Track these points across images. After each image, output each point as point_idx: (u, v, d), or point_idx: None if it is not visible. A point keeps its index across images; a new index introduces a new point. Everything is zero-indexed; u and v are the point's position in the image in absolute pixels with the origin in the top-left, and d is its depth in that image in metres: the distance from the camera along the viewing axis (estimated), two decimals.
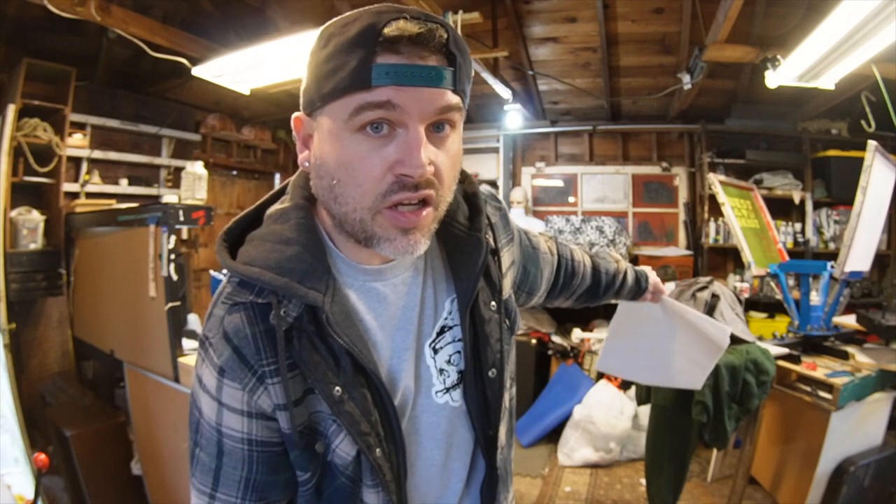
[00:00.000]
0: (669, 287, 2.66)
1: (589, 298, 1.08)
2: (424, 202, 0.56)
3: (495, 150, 4.69)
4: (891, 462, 2.14)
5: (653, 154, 4.67)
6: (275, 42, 2.17)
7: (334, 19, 0.56)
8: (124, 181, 3.33)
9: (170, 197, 3.36)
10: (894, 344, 2.28)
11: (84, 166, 3.10)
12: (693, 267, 4.24)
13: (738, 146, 4.10)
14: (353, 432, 0.57)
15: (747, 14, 2.97)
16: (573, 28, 3.65)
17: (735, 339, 2.06)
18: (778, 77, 2.44)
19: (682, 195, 4.58)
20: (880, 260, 3.77)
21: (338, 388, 0.57)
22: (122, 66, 3.28)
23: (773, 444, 2.28)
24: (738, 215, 2.91)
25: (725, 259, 4.37)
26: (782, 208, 4.02)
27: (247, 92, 2.75)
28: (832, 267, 2.27)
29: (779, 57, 2.41)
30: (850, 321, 2.49)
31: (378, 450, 0.59)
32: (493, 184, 4.68)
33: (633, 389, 2.72)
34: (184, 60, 2.58)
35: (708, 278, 2.34)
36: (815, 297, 2.36)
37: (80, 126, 3.08)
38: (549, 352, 3.64)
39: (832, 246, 3.99)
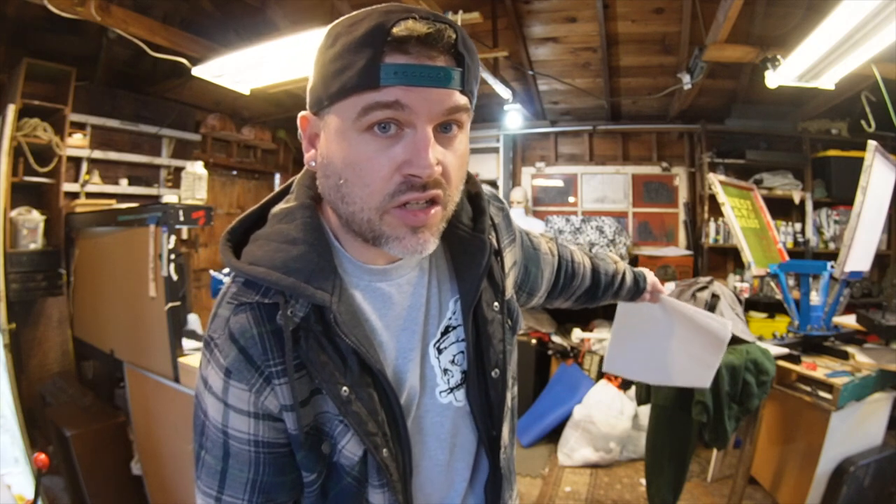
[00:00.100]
0: (669, 287, 2.66)
1: (588, 299, 1.08)
2: (433, 201, 0.55)
3: (495, 150, 4.69)
4: (891, 462, 2.14)
5: (653, 154, 4.67)
6: (275, 42, 2.17)
7: (341, 18, 0.55)
8: (124, 181, 3.33)
9: (170, 197, 3.36)
10: (894, 344, 2.28)
11: (84, 166, 3.10)
12: (693, 267, 4.24)
13: (738, 146, 4.10)
14: (361, 432, 0.57)
15: (747, 14, 2.97)
16: (573, 28, 3.65)
17: (735, 339, 2.06)
18: (778, 77, 2.44)
19: (682, 195, 4.58)
20: (880, 260, 3.77)
21: (345, 388, 0.57)
22: (122, 66, 3.28)
23: (773, 444, 2.28)
24: (738, 215, 2.91)
25: (725, 259, 4.37)
26: (782, 208, 4.02)
27: (247, 92, 2.75)
28: (832, 267, 2.27)
29: (779, 57, 2.41)
30: (850, 321, 2.49)
31: (385, 450, 0.58)
32: (493, 184, 4.68)
33: (633, 389, 2.72)
34: (184, 60, 2.57)
35: (708, 278, 2.34)
36: (815, 297, 2.36)
37: (80, 126, 3.07)
38: (549, 352, 3.64)
39: (832, 246, 4.00)
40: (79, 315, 2.83)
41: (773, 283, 3.10)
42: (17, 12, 2.57)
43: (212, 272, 2.21)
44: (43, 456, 1.43)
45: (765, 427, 2.17)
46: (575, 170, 4.84)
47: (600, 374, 3.27)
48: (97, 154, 3.14)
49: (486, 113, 4.53)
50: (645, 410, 2.64)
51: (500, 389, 0.67)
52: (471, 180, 0.70)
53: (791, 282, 2.75)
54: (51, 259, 2.77)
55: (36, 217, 2.75)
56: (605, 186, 4.78)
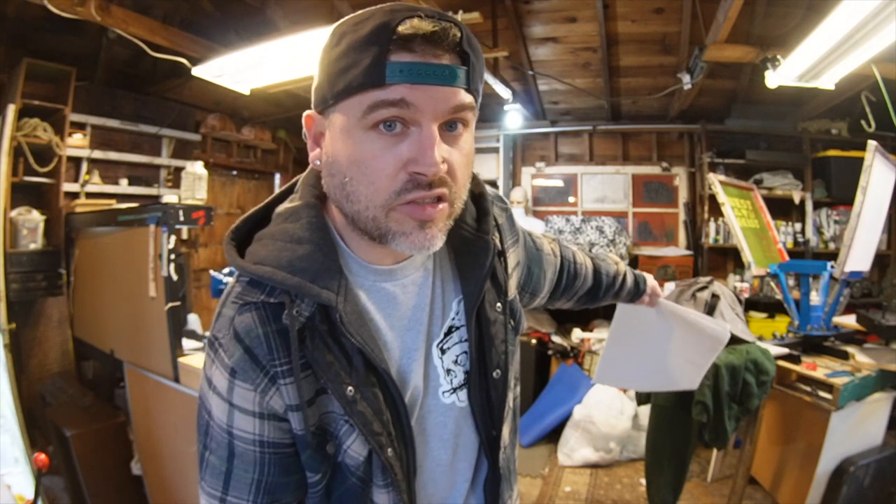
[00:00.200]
0: (669, 287, 2.66)
1: (589, 300, 1.08)
2: (439, 198, 0.55)
3: (495, 150, 4.69)
4: (891, 462, 2.14)
5: (653, 154, 4.67)
6: (275, 42, 2.17)
7: (347, 17, 0.56)
8: (124, 181, 3.33)
9: (170, 197, 3.36)
10: (894, 344, 2.28)
11: (84, 166, 3.10)
12: (693, 267, 4.24)
13: (738, 146, 4.10)
14: (366, 432, 0.57)
15: (747, 14, 2.97)
16: (573, 28, 3.65)
17: (735, 339, 2.06)
18: (778, 77, 2.44)
19: (682, 195, 4.58)
20: (880, 260, 3.77)
21: (350, 387, 0.57)
22: (122, 66, 3.28)
23: (773, 444, 2.28)
24: (738, 215, 2.91)
25: (725, 259, 4.37)
26: (782, 208, 4.02)
27: (247, 92, 2.75)
28: (832, 267, 2.27)
29: (779, 57, 2.41)
30: (850, 321, 2.49)
31: (389, 449, 0.58)
32: (493, 184, 4.68)
33: (632, 389, 2.72)
34: (184, 60, 2.57)
35: (708, 278, 2.34)
36: (815, 297, 2.36)
37: (80, 126, 3.07)
38: (549, 352, 3.64)
39: (832, 246, 4.00)
40: (79, 315, 2.83)
41: (773, 283, 3.10)
42: (17, 12, 2.57)
43: (212, 272, 2.21)
44: (43, 456, 1.43)
45: (765, 427, 2.17)
46: (575, 170, 4.84)
47: None
48: (97, 154, 3.14)
49: (486, 113, 4.52)
50: (645, 410, 2.64)
51: (501, 390, 0.67)
52: (475, 180, 0.70)
53: (791, 282, 2.75)
54: (51, 259, 2.77)
55: (36, 217, 2.75)
56: (605, 186, 4.78)
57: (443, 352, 0.66)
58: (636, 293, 1.14)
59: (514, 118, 4.04)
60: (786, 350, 2.17)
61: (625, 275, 1.11)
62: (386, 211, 0.55)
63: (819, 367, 2.07)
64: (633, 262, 4.35)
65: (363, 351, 0.57)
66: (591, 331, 3.67)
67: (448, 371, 0.66)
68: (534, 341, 3.62)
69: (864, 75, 2.42)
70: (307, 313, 0.57)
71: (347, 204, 0.56)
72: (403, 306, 0.63)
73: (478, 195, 0.71)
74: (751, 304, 3.83)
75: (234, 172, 4.43)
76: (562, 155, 4.90)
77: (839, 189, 3.91)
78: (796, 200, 4.03)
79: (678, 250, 4.41)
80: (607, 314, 1.22)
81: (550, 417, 3.20)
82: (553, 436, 3.18)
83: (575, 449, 2.99)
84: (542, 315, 3.80)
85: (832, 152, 3.95)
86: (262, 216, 0.65)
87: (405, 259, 0.63)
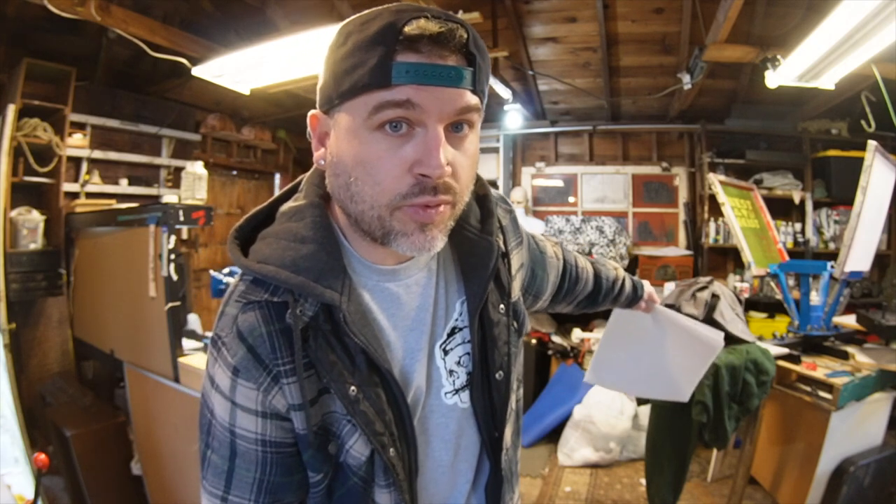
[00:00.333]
0: (669, 287, 2.66)
1: (589, 304, 1.08)
2: (442, 201, 0.55)
3: (495, 150, 4.69)
4: (891, 462, 2.14)
5: (653, 154, 4.67)
6: (275, 42, 2.17)
7: (353, 17, 0.55)
8: (124, 181, 3.33)
9: (170, 197, 3.36)
10: (894, 344, 2.28)
11: (84, 166, 3.10)
12: (693, 267, 4.24)
13: (738, 146, 4.10)
14: (368, 432, 0.57)
15: (747, 14, 2.97)
16: (573, 28, 3.65)
17: (735, 339, 2.06)
18: (778, 77, 2.44)
19: (682, 195, 4.58)
20: (880, 260, 3.77)
21: (353, 387, 0.57)
22: (122, 66, 3.28)
23: (773, 444, 2.28)
24: (738, 215, 2.92)
25: (725, 259, 4.37)
26: (782, 208, 4.02)
27: (247, 92, 2.74)
28: (832, 267, 2.27)
29: (779, 57, 2.41)
30: (850, 321, 2.49)
31: (392, 449, 0.58)
32: (494, 184, 4.67)
33: None
34: (184, 60, 2.57)
35: (708, 278, 2.34)
36: (815, 297, 2.36)
37: (80, 126, 3.07)
38: (549, 352, 3.64)
39: (832, 246, 3.99)
40: (79, 315, 2.83)
41: (773, 283, 3.10)
42: (17, 12, 2.57)
43: (212, 272, 2.21)
44: (43, 456, 1.43)
45: (765, 427, 2.17)
46: (575, 170, 4.84)
47: None
48: (97, 154, 3.14)
49: (486, 113, 4.43)
50: (645, 410, 2.64)
51: (503, 391, 0.67)
52: (479, 182, 0.70)
53: (791, 282, 2.75)
54: (51, 259, 2.77)
55: (36, 217, 2.75)
56: (605, 186, 4.78)
57: (446, 353, 0.66)
58: (634, 298, 1.15)
59: (514, 118, 4.04)
60: (786, 350, 2.17)
61: (623, 280, 1.12)
62: (390, 211, 0.55)
63: (819, 367, 2.07)
64: (633, 261, 4.35)
65: (366, 351, 0.57)
66: (591, 331, 3.67)
67: (451, 372, 0.66)
68: (534, 341, 3.62)
69: (864, 75, 2.42)
70: (311, 313, 0.57)
71: (352, 204, 0.56)
72: (407, 307, 0.63)
73: (482, 196, 0.70)
74: (751, 304, 3.83)
75: (234, 172, 4.43)
76: (562, 155, 4.90)
77: (839, 189, 3.90)
78: (796, 200, 4.03)
79: (678, 250, 4.41)
80: (607, 314, 1.23)
81: (550, 417, 3.20)
82: (553, 436, 3.18)
83: (575, 449, 2.99)
84: (542, 315, 3.80)
85: (832, 152, 3.95)
86: (266, 215, 0.65)
87: (408, 259, 0.63)
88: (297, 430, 0.57)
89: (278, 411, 0.57)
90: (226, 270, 2.20)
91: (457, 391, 0.67)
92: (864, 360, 2.13)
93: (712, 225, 4.19)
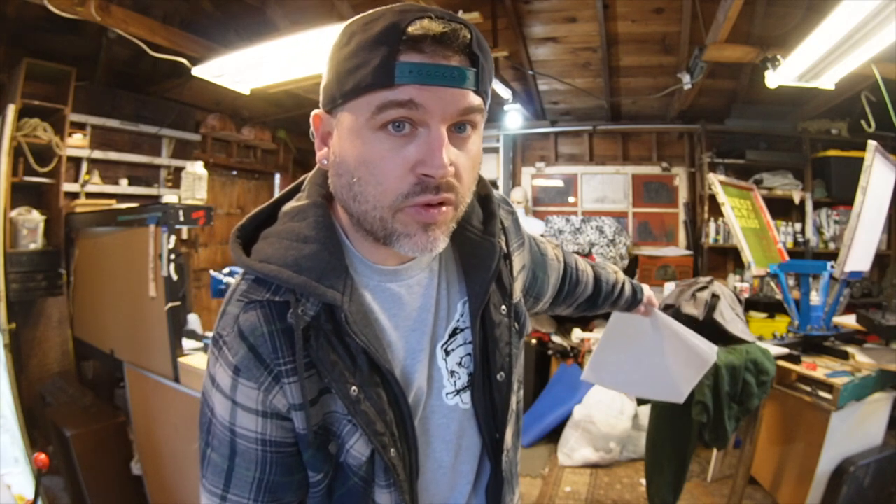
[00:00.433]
0: (669, 287, 2.66)
1: (588, 307, 1.09)
2: (444, 201, 0.55)
3: (495, 150, 4.69)
4: (891, 462, 2.14)
5: (653, 154, 4.67)
6: (275, 42, 2.17)
7: (357, 17, 0.56)
8: (124, 181, 3.33)
9: (170, 197, 3.36)
10: (894, 344, 2.28)
11: (84, 166, 3.10)
12: (693, 267, 4.24)
13: (738, 146, 4.10)
14: (369, 432, 0.57)
15: (747, 14, 2.97)
16: (573, 28, 3.65)
17: (735, 339, 2.06)
18: (778, 77, 2.44)
19: (682, 195, 4.58)
20: (880, 260, 3.77)
21: (354, 387, 0.57)
22: (122, 66, 3.28)
23: (773, 444, 2.28)
24: (738, 215, 2.92)
25: (725, 259, 4.37)
26: (782, 208, 4.02)
27: (247, 92, 2.74)
28: (832, 267, 2.27)
29: (779, 57, 2.41)
30: (850, 321, 2.49)
31: (392, 450, 0.58)
32: (494, 184, 4.67)
33: None
34: (184, 60, 2.57)
35: (708, 278, 2.34)
36: (815, 297, 2.36)
37: (80, 126, 3.07)
38: (549, 352, 3.64)
39: (832, 246, 3.99)
40: (79, 315, 2.83)
41: (773, 283, 3.10)
42: (17, 12, 2.57)
43: (212, 272, 2.21)
44: (43, 456, 1.43)
45: (765, 427, 2.17)
46: (575, 170, 4.84)
47: None
48: (97, 154, 3.14)
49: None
50: (645, 410, 2.64)
51: (504, 392, 0.67)
52: (481, 183, 0.70)
53: (791, 282, 2.75)
54: (51, 259, 2.77)
55: (36, 217, 2.75)
56: (605, 186, 4.78)
57: (447, 353, 0.66)
58: (633, 302, 1.16)
59: (514, 118, 4.05)
60: (786, 350, 2.17)
61: (623, 284, 1.12)
62: (393, 212, 0.54)
63: (819, 367, 2.07)
64: (633, 261, 4.35)
65: (367, 351, 0.57)
66: (590, 331, 3.66)
67: (452, 373, 0.66)
68: (534, 341, 3.62)
69: (864, 75, 2.42)
70: (312, 312, 0.57)
71: (354, 204, 0.56)
72: (408, 307, 0.63)
73: (484, 197, 0.70)
74: (751, 304, 3.83)
75: (234, 172, 4.43)
76: (562, 155, 4.90)
77: (839, 189, 3.91)
78: (796, 200, 4.03)
79: (678, 250, 4.41)
80: (607, 315, 1.23)
81: (550, 417, 3.20)
82: (553, 436, 3.18)
83: (575, 449, 2.99)
84: (542, 315, 3.79)
85: (832, 152, 3.95)
86: (268, 214, 0.65)
87: (411, 260, 0.63)
88: (297, 429, 0.57)
89: (279, 411, 0.57)
90: (226, 270, 2.20)
91: (458, 392, 0.67)
92: (864, 360, 2.13)
93: (712, 225, 4.19)
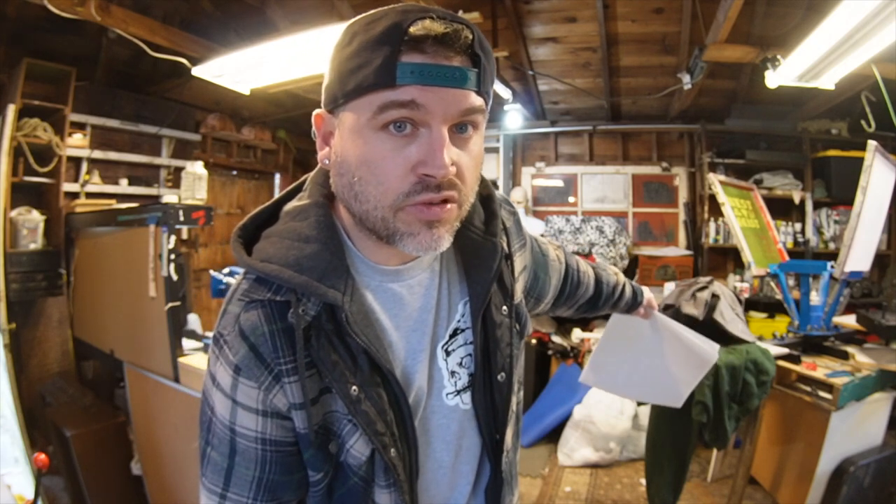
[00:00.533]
0: (669, 287, 2.66)
1: (589, 309, 1.09)
2: (447, 200, 0.55)
3: (495, 150, 4.69)
4: (891, 462, 2.14)
5: (653, 154, 4.67)
6: (275, 42, 2.17)
7: (359, 17, 0.56)
8: (124, 181, 3.33)
9: (170, 197, 3.36)
10: (894, 344, 2.28)
11: (84, 166, 3.10)
12: (693, 267, 4.24)
13: (738, 146, 4.10)
14: (370, 432, 0.57)
15: (747, 14, 2.97)
16: (573, 28, 3.65)
17: (735, 339, 2.06)
18: (778, 77, 2.44)
19: (682, 195, 4.58)
20: (880, 260, 3.77)
21: (355, 387, 0.57)
22: (122, 66, 3.28)
23: (773, 444, 2.28)
24: (738, 215, 2.92)
25: (725, 259, 4.37)
26: (782, 208, 4.02)
27: (247, 92, 2.74)
28: (832, 267, 2.27)
29: (779, 57, 2.41)
30: (850, 321, 2.49)
31: (393, 450, 0.58)
32: (494, 184, 4.66)
33: None
34: (184, 60, 2.57)
35: (708, 278, 2.34)
36: (815, 297, 2.36)
37: (80, 126, 3.07)
38: (549, 352, 3.64)
39: (832, 246, 3.99)
40: (79, 315, 2.83)
41: (773, 283, 3.10)
42: (17, 12, 2.57)
43: (212, 272, 2.21)
44: (43, 456, 1.43)
45: (765, 427, 2.17)
46: (575, 170, 4.84)
47: None
48: (97, 154, 3.14)
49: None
50: (645, 410, 2.64)
51: (505, 393, 0.67)
52: (483, 183, 0.70)
53: (791, 282, 2.75)
54: (51, 259, 2.77)
55: (36, 217, 2.75)
56: (605, 186, 4.78)
57: (448, 353, 0.66)
58: (633, 304, 1.16)
59: (514, 118, 4.04)
60: (786, 350, 2.17)
61: (624, 286, 1.12)
62: (394, 211, 0.54)
63: (819, 367, 2.07)
64: (633, 261, 4.35)
65: (368, 351, 0.57)
66: (590, 331, 3.66)
67: (452, 373, 0.66)
68: (534, 341, 3.62)
69: (864, 75, 2.42)
70: (313, 312, 0.57)
71: (356, 204, 0.56)
72: (409, 307, 0.63)
73: (486, 197, 0.70)
74: (751, 304, 3.83)
75: (234, 172, 4.43)
76: (562, 155, 4.90)
77: (839, 189, 3.90)
78: (796, 200, 4.03)
79: (678, 250, 4.41)
80: (607, 315, 1.23)
81: (550, 417, 3.20)
82: (553, 436, 3.18)
83: (575, 449, 2.99)
84: (543, 315, 3.79)
85: (832, 152, 3.95)
86: (269, 214, 0.65)
87: (412, 260, 0.63)
88: (297, 429, 0.57)
89: (279, 410, 0.57)
90: (226, 270, 2.20)
91: (458, 392, 0.67)
92: (864, 360, 2.13)
93: (712, 225, 4.19)
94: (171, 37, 2.59)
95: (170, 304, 2.01)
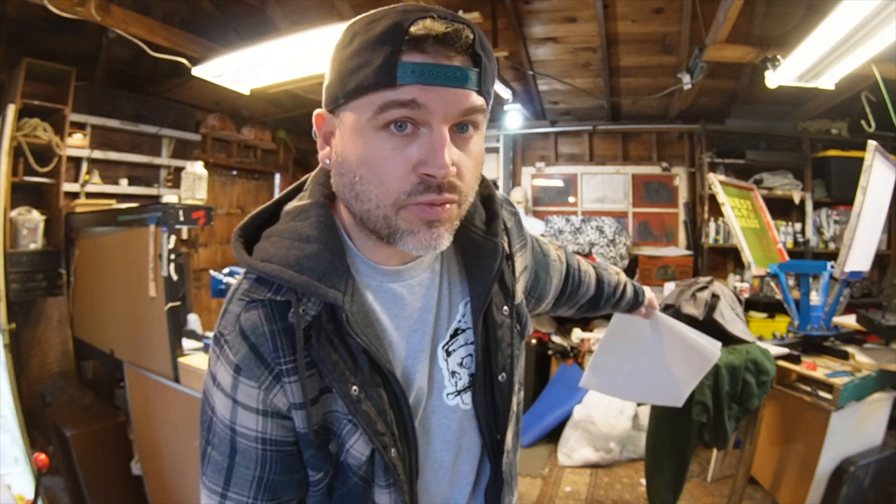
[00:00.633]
0: (669, 287, 2.66)
1: (590, 309, 1.09)
2: (448, 200, 0.55)
3: (495, 150, 4.69)
4: (891, 462, 2.14)
5: (653, 154, 4.67)
6: (275, 42, 2.16)
7: (359, 16, 0.56)
8: (124, 181, 3.33)
9: (170, 197, 3.36)
10: (894, 344, 2.28)
11: (84, 166, 3.10)
12: (693, 267, 4.24)
13: (738, 146, 4.10)
14: (370, 432, 0.57)
15: (747, 14, 2.97)
16: (573, 28, 3.65)
17: (735, 339, 2.06)
18: (778, 77, 2.44)
19: (682, 195, 4.58)
20: (880, 260, 3.77)
21: (355, 387, 0.57)
22: (122, 66, 3.28)
23: (773, 444, 2.28)
24: (738, 215, 2.92)
25: (725, 259, 4.37)
26: (782, 208, 4.02)
27: (247, 92, 2.74)
28: (832, 267, 2.28)
29: (779, 57, 2.41)
30: (850, 321, 2.49)
31: (393, 450, 0.59)
32: (494, 184, 4.67)
33: None
34: (184, 60, 2.57)
35: (708, 278, 2.34)
36: (815, 297, 2.36)
37: (80, 126, 3.07)
38: (549, 352, 3.64)
39: (832, 246, 3.99)
40: (79, 315, 2.83)
41: (773, 283, 3.10)
42: (17, 12, 2.57)
43: (212, 272, 2.21)
44: (43, 456, 1.43)
45: (765, 427, 2.17)
46: (575, 170, 4.84)
47: None
48: (97, 154, 3.14)
49: None
50: (645, 410, 2.64)
51: (506, 394, 0.67)
52: (484, 183, 0.70)
53: (791, 282, 2.75)
54: (51, 259, 2.77)
55: (36, 217, 2.75)
56: (605, 186, 4.78)
57: (448, 354, 0.66)
58: (634, 304, 1.16)
59: (514, 118, 4.05)
60: (786, 350, 2.17)
61: (625, 285, 1.12)
62: (396, 209, 0.55)
63: (819, 367, 2.07)
64: (633, 261, 4.35)
65: (368, 351, 0.57)
66: (591, 331, 3.66)
67: (453, 373, 0.66)
68: (534, 341, 3.62)
69: (864, 75, 2.42)
70: (313, 312, 0.57)
71: (357, 203, 0.56)
72: (410, 307, 0.63)
73: (487, 197, 0.70)
74: (751, 304, 3.83)
75: (234, 172, 4.43)
76: (562, 155, 4.90)
77: (839, 189, 3.91)
78: (796, 200, 4.03)
79: (678, 250, 4.41)
80: (608, 315, 1.23)
81: (550, 417, 3.20)
82: (553, 436, 3.18)
83: (575, 449, 2.99)
84: (543, 315, 3.80)
85: (832, 152, 3.95)
86: (270, 214, 0.65)
87: (413, 260, 0.63)
88: (297, 428, 0.57)
89: (279, 410, 0.57)
90: (226, 270, 2.20)
91: (459, 393, 0.67)
92: (864, 360, 2.13)
93: (712, 225, 4.19)
94: (171, 37, 2.59)
95: (170, 304, 2.01)
